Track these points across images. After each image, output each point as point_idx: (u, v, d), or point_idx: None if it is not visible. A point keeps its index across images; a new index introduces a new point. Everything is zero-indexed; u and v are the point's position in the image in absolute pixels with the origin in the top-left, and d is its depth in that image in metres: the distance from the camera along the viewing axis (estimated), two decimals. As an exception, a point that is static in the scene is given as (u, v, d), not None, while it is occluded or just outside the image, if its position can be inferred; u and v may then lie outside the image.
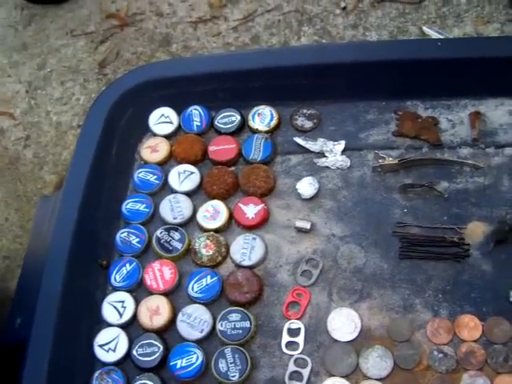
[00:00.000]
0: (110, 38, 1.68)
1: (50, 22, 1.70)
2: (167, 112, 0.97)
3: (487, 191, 0.85)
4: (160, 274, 0.83)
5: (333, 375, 0.76)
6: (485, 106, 0.92)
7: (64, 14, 1.72)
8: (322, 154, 0.91)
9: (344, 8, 1.64)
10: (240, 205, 0.87)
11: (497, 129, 0.90)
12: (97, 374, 0.79)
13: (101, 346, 0.80)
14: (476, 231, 0.83)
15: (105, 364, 0.80)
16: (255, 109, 0.95)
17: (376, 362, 0.75)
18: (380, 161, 0.89)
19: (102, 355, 0.80)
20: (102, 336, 0.81)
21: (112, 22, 1.69)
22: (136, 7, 1.70)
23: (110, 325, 0.82)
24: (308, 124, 0.94)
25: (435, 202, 0.86)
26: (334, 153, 0.91)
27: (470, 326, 0.76)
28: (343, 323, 0.78)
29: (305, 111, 0.95)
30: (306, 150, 0.92)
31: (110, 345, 0.80)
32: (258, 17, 1.63)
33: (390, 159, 0.89)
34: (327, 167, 0.90)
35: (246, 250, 0.84)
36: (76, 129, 1.53)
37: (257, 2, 1.67)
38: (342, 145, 0.91)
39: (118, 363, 0.80)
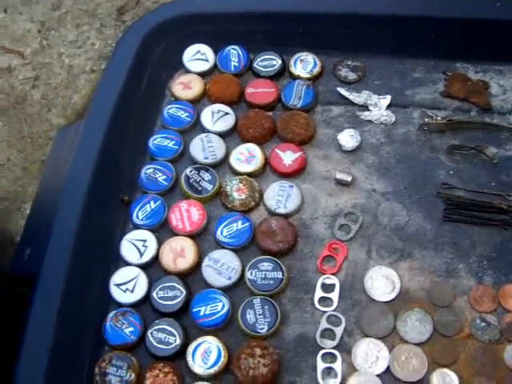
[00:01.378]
0: (131, -16, 1.61)
1: (68, -39, 1.63)
2: (203, 49, 0.91)
3: (538, 160, 0.81)
4: (187, 214, 0.78)
5: (368, 336, 0.71)
6: (538, 74, 0.88)
7: (83, -45, 1.65)
8: (365, 108, 0.86)
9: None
10: (277, 150, 0.82)
11: (550, 98, 0.86)
12: (111, 314, 0.73)
13: (117, 285, 0.75)
14: (525, 200, 0.78)
15: (121, 305, 0.74)
16: (298, 55, 0.90)
17: (414, 326, 0.71)
18: (427, 119, 0.84)
19: (119, 295, 0.74)
20: (120, 275, 0.76)
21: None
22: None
23: (128, 264, 0.77)
24: (352, 76, 0.89)
25: (483, 166, 0.81)
26: (378, 107, 0.86)
27: (516, 296, 0.72)
28: (381, 282, 0.73)
29: (349, 63, 0.90)
30: (349, 102, 0.87)
31: (127, 285, 0.75)
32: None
33: (438, 118, 0.84)
34: (370, 121, 0.85)
35: (281, 197, 0.78)
36: (89, 73, 1.46)
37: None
38: (387, 99, 0.86)
39: (135, 305, 0.74)
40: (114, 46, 0.91)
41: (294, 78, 0.88)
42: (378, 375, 0.68)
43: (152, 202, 0.79)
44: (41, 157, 1.35)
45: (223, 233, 0.76)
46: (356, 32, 0.90)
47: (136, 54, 0.88)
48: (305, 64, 0.89)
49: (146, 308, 0.74)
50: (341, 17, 0.89)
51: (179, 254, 0.76)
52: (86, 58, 1.50)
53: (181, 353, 0.71)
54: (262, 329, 0.71)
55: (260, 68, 0.89)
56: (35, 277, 0.73)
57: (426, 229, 0.77)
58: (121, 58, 0.88)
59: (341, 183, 0.80)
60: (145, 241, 0.77)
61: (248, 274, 0.74)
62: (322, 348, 0.70)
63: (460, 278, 0.74)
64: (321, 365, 0.69)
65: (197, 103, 0.88)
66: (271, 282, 0.73)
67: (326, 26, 0.90)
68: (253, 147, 0.82)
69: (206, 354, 0.70)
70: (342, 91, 0.87)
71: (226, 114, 0.85)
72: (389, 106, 0.86)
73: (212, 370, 0.69)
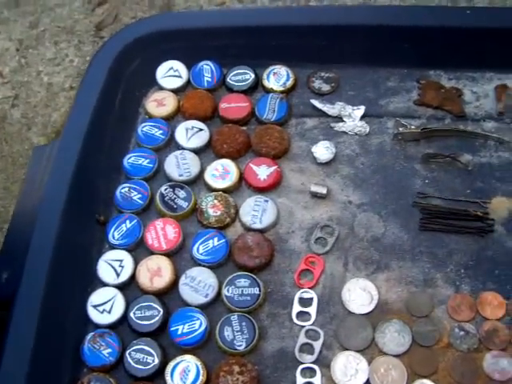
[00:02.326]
0: (109, 0, 1.60)
1: (46, -21, 1.63)
2: (176, 65, 0.91)
3: (512, 166, 0.81)
4: (163, 232, 0.77)
5: (346, 349, 0.71)
6: (511, 81, 0.88)
7: (60, -27, 1.65)
8: (339, 119, 0.86)
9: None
10: (252, 165, 0.82)
11: (523, 104, 0.86)
12: (89, 336, 0.73)
13: (95, 306, 0.74)
14: (500, 206, 0.78)
15: (98, 326, 0.74)
16: (270, 68, 0.90)
17: (393, 337, 0.70)
18: (401, 128, 0.84)
19: (96, 316, 0.74)
20: (97, 296, 0.75)
21: (111, -17, 1.62)
22: (138, -29, 1.63)
23: (105, 284, 0.76)
24: (325, 87, 0.89)
25: (458, 174, 0.81)
26: (352, 118, 0.86)
27: (494, 304, 0.72)
28: (359, 295, 0.73)
29: (322, 74, 0.90)
30: (323, 114, 0.87)
31: (105, 306, 0.74)
32: (264, -11, 1.57)
33: (412, 127, 0.84)
34: (345, 132, 0.85)
35: (257, 212, 0.78)
36: (68, 90, 1.45)
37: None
38: (361, 110, 0.86)
39: (113, 326, 0.74)
40: (89, 63, 0.90)
41: (268, 91, 0.88)
42: (357, 388, 0.68)
43: (128, 222, 0.79)
44: (22, 176, 1.34)
45: (199, 250, 0.76)
46: (328, 43, 0.90)
47: (109, 72, 0.88)
48: (278, 77, 0.89)
49: (123, 328, 0.74)
50: (312, 28, 0.89)
51: (156, 272, 0.75)
52: (65, 76, 1.49)
53: (160, 372, 0.70)
54: (240, 345, 0.70)
55: (233, 82, 0.89)
56: (13, 299, 0.72)
57: (402, 239, 0.77)
58: (95, 76, 0.88)
59: (316, 196, 0.80)
60: (121, 261, 0.77)
61: (225, 291, 0.73)
62: (301, 363, 0.70)
63: (438, 287, 0.73)
64: (300, 380, 0.69)
65: (171, 120, 0.88)
66: (248, 298, 0.73)
67: (298, 38, 0.90)
68: (227, 163, 0.82)
69: (185, 373, 0.69)
70: (316, 103, 0.87)
71: (200, 130, 0.85)
72: (363, 117, 0.86)
73: (191, 389, 0.68)
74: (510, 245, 0.75)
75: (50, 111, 1.44)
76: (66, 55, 1.53)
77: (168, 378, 0.69)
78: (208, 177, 0.81)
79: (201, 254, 0.76)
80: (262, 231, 0.78)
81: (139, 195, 0.81)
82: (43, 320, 0.71)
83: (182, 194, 0.80)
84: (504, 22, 0.88)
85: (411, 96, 0.88)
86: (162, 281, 0.75)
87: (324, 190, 0.79)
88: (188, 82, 0.90)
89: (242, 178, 0.82)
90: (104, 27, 1.57)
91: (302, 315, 0.73)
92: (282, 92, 0.88)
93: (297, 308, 0.73)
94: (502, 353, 0.69)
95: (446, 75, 0.90)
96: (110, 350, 0.71)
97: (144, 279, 0.75)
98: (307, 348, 0.71)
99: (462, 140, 0.84)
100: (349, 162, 0.83)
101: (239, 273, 0.75)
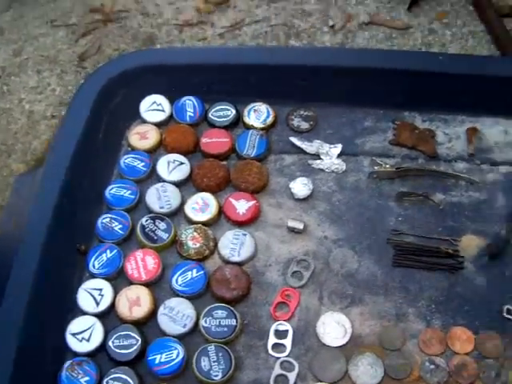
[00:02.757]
0: (93, 31, 1.63)
1: (30, 9, 1.65)
2: (159, 100, 0.93)
3: (482, 206, 0.84)
4: (143, 263, 0.79)
5: (320, 381, 0.72)
6: (481, 124, 0.92)
7: (45, 3, 1.67)
8: (317, 156, 0.89)
9: (332, 26, 1.63)
10: (231, 199, 0.84)
11: (492, 147, 0.90)
12: (67, 364, 0.73)
13: (73, 334, 0.75)
14: (470, 244, 0.81)
15: (77, 354, 0.74)
16: (251, 105, 0.92)
17: (366, 370, 0.72)
18: (376, 167, 0.87)
19: (75, 345, 0.75)
20: (76, 324, 0.76)
21: (95, 16, 1.65)
22: (122, 4, 1.66)
23: (85, 313, 0.77)
24: (304, 125, 0.92)
25: (430, 212, 0.84)
26: (329, 156, 0.88)
27: (463, 339, 0.74)
28: (333, 328, 0.75)
29: (302, 112, 0.93)
30: (301, 151, 0.90)
31: (83, 334, 0.75)
32: (245, 26, 1.62)
33: (387, 166, 0.87)
34: (322, 170, 0.88)
35: (235, 245, 0.80)
36: (49, 119, 1.47)
37: (245, 12, 1.66)
38: (338, 148, 0.89)
39: (91, 354, 0.74)
40: (73, 95, 0.92)
41: (248, 127, 0.91)
42: (330, 421, 0.70)
43: (108, 251, 0.80)
44: (0, 203, 1.34)
45: (178, 281, 0.78)
46: (308, 83, 0.92)
47: (94, 104, 0.90)
48: (258, 114, 0.91)
49: (102, 357, 0.75)
50: (293, 68, 0.93)
51: (135, 302, 0.77)
52: (47, 104, 1.51)
53: (137, 402, 0.71)
54: (217, 376, 0.72)
55: (215, 118, 0.91)
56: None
57: (376, 274, 0.79)
58: (79, 107, 0.90)
59: (293, 231, 0.82)
60: (101, 289, 0.78)
61: (202, 322, 0.75)
62: (276, 394, 0.72)
63: (409, 321, 0.76)
64: (275, 411, 0.71)
65: (153, 153, 0.90)
66: (225, 329, 0.74)
67: (279, 77, 0.92)
68: (207, 196, 0.84)
69: (162, 403, 0.70)
70: (295, 140, 0.90)
71: (182, 163, 0.87)
72: (340, 155, 0.89)
73: (167, 419, 0.69)
74: (479, 282, 0.78)
75: (30, 139, 1.45)
76: (48, 84, 1.56)
77: (144, 407, 0.70)
78: (188, 209, 0.83)
79: (179, 285, 0.77)
80: (240, 264, 0.79)
81: (120, 225, 0.82)
82: (21, 346, 0.71)
83: (162, 225, 0.82)
84: (475, 69, 0.92)
85: (387, 136, 0.91)
86: (140, 310, 0.76)
87: (301, 226, 0.82)
88: (171, 116, 0.93)
89: (221, 211, 0.84)
90: (87, 58, 1.60)
91: (278, 347, 0.74)
92: (262, 129, 0.91)
93: (272, 340, 0.75)
94: (470, 387, 0.71)
95: (420, 117, 0.93)
96: (87, 378, 0.72)
97: (123, 308, 0.76)
98: (282, 379, 0.72)
99: (434, 179, 0.87)
100: (325, 199, 0.86)
101: (217, 304, 0.76)
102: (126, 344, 0.74)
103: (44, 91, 1.54)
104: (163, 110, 0.92)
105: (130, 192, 0.85)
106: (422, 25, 1.64)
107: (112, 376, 0.72)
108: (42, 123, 1.48)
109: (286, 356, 0.74)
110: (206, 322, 0.75)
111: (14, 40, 1.64)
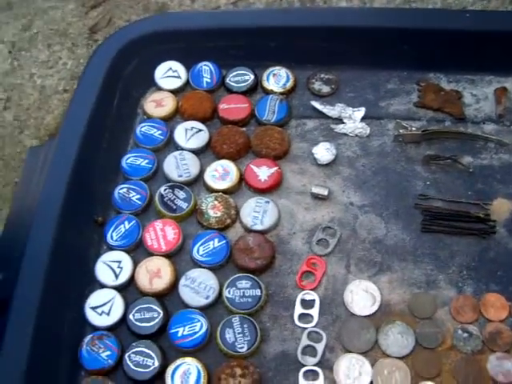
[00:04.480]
0: (103, 3, 1.59)
1: (39, -18, 1.62)
2: (175, 66, 0.90)
3: (513, 168, 0.81)
4: (162, 233, 0.76)
5: (349, 351, 0.70)
6: (510, 83, 0.88)
7: (54, -24, 1.64)
8: (339, 120, 0.86)
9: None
10: (252, 166, 0.81)
11: (522, 107, 0.86)
12: (87, 338, 0.71)
13: (93, 308, 0.73)
14: (502, 208, 0.78)
15: (97, 328, 0.73)
16: (270, 69, 0.89)
17: (396, 339, 0.70)
18: (402, 130, 0.84)
19: (94, 318, 0.73)
20: (95, 298, 0.74)
21: (105, -13, 1.61)
22: (131, -26, 1.62)
23: (103, 286, 0.75)
24: (325, 89, 0.89)
25: (459, 176, 0.81)
26: (352, 119, 0.85)
27: (497, 306, 0.71)
28: (361, 296, 0.72)
29: (322, 76, 0.90)
30: (323, 115, 0.86)
31: (103, 308, 0.73)
32: (259, -6, 1.57)
33: (413, 129, 0.83)
34: (345, 134, 0.85)
35: (257, 213, 0.77)
36: (61, 93, 1.44)
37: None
38: (361, 111, 0.86)
39: (111, 328, 0.73)
40: (85, 64, 0.89)
41: (267, 92, 0.88)
42: (361, 391, 0.67)
43: (126, 222, 0.78)
44: (14, 179, 1.32)
45: (199, 251, 0.75)
46: (328, 45, 0.89)
47: (107, 72, 0.87)
48: (277, 78, 0.88)
49: (122, 331, 0.73)
50: (312, 30, 0.89)
51: (155, 274, 0.74)
52: (59, 78, 1.47)
53: (159, 375, 0.69)
54: (242, 348, 0.69)
55: (232, 84, 0.88)
56: (8, 301, 0.71)
57: (404, 241, 0.76)
58: (92, 77, 0.87)
59: (317, 197, 0.79)
60: (120, 262, 0.76)
61: (226, 293, 0.72)
62: (304, 365, 0.69)
63: (440, 289, 0.73)
64: (303, 383, 0.68)
65: (170, 121, 0.87)
66: (250, 299, 0.72)
67: (298, 39, 0.89)
68: (227, 163, 0.81)
69: (186, 376, 0.68)
70: (316, 105, 0.87)
71: (200, 130, 0.84)
72: (363, 119, 0.86)
73: (192, 392, 0.67)
74: (512, 246, 0.75)
75: (42, 114, 1.42)
76: (59, 58, 1.52)
77: (168, 380, 0.68)
78: (208, 178, 0.80)
79: (201, 256, 0.75)
80: (263, 232, 0.77)
81: (138, 196, 0.80)
82: (40, 322, 0.70)
83: (181, 194, 0.79)
84: (503, 25, 0.88)
85: (411, 98, 0.88)
86: (161, 282, 0.74)
87: (325, 192, 0.79)
88: (187, 83, 0.90)
89: (241, 179, 0.81)
90: (98, 30, 1.56)
91: (304, 317, 0.72)
92: (281, 93, 0.87)
93: (299, 310, 0.72)
94: (506, 354, 0.68)
95: (446, 78, 0.89)
96: (108, 353, 0.70)
97: (143, 281, 0.74)
98: (310, 350, 0.70)
99: (462, 142, 0.84)
100: (349, 164, 0.82)
101: (240, 274, 0.74)
102: (148, 317, 0.72)
103: (55, 65, 1.50)
104: (179, 77, 0.89)
105: (147, 161, 0.82)
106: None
107: (134, 350, 0.70)
108: (54, 98, 1.45)
109: (314, 326, 0.71)
110: (229, 292, 0.72)
111: (23, 14, 1.61)
